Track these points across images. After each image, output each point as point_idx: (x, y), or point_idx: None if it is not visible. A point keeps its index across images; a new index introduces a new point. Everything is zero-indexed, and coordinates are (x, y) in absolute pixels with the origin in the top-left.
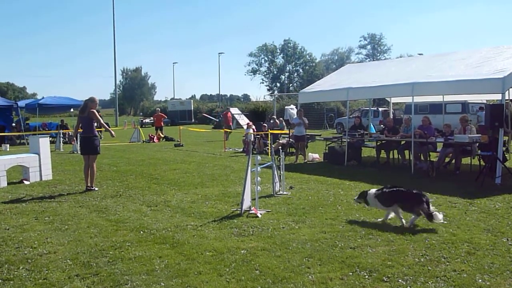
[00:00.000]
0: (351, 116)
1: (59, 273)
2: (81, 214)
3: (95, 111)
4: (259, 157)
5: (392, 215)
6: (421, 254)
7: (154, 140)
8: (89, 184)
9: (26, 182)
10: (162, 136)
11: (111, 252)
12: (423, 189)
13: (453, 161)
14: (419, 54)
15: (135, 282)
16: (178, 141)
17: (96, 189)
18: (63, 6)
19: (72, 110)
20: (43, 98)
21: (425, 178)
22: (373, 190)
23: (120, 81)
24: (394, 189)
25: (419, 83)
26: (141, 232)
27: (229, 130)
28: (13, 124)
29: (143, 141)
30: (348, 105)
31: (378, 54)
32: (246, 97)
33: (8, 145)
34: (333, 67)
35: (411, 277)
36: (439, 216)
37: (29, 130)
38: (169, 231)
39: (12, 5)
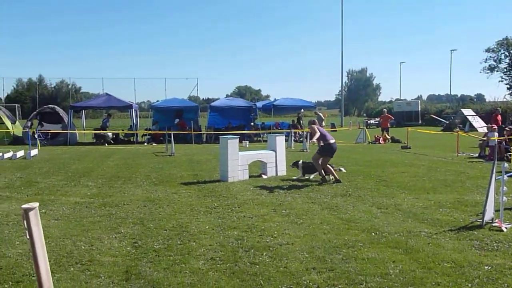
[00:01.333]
0: None
1: (297, 264)
2: (314, 210)
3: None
4: (506, 165)
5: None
6: None
7: (380, 141)
8: (338, 178)
9: (264, 176)
10: (388, 137)
11: (344, 250)
12: None
13: None
14: None
15: (369, 284)
16: (405, 143)
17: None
18: (289, 8)
19: (302, 110)
20: (275, 99)
21: None
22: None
23: (345, 82)
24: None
25: None
26: (373, 233)
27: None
28: (252, 123)
29: (369, 142)
30: None
31: None
32: (479, 97)
33: (248, 142)
34: None
35: None
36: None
37: (264, 128)
38: (401, 235)
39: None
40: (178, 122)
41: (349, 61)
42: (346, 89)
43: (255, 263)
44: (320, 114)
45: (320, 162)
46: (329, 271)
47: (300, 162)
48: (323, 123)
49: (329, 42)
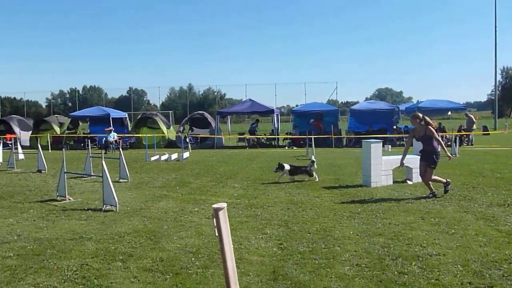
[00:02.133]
0: None
1: (450, 277)
2: (467, 220)
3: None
4: None
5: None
6: None
7: None
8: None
9: (409, 182)
10: None
11: (505, 266)
12: None
13: None
14: None
15: None
16: None
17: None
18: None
19: (450, 113)
20: (418, 101)
21: None
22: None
23: (499, 80)
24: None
25: None
26: None
27: None
28: (394, 127)
29: None
30: None
31: None
32: None
33: (390, 146)
34: None
35: None
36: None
37: (407, 132)
38: None
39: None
40: (312, 121)
41: (503, 57)
42: (499, 88)
43: (404, 272)
44: (471, 116)
45: (428, 173)
46: (488, 287)
47: (287, 166)
48: (474, 126)
49: (480, 40)
